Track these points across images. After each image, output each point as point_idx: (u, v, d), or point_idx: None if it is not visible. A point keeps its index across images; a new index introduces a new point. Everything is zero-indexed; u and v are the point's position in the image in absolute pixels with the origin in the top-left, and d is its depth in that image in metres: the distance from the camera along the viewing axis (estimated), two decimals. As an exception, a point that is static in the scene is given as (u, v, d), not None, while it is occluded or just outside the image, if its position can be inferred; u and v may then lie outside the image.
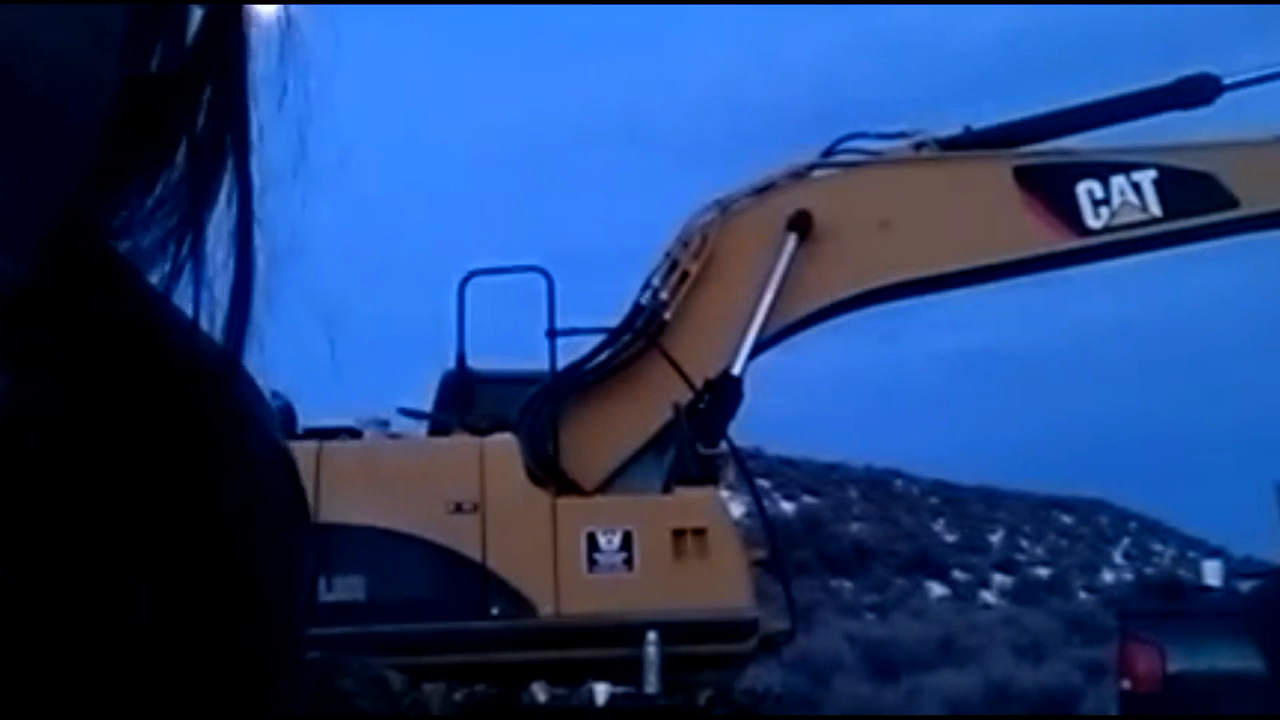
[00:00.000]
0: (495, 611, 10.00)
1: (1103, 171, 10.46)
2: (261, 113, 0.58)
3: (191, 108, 0.57)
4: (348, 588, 9.22)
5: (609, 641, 9.96)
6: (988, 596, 42.66)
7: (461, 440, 10.46)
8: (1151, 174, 10.40)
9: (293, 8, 0.58)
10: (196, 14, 0.55)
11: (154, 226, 0.58)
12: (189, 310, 0.58)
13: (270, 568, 0.59)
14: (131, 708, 0.53)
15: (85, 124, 0.50)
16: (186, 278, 0.58)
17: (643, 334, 10.56)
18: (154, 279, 0.59)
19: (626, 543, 10.16)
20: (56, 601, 0.52)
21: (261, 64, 0.58)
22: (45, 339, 0.54)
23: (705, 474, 10.39)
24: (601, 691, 10.58)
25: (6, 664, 0.51)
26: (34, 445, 0.53)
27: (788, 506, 42.88)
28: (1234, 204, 10.30)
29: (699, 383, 10.31)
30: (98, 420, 0.54)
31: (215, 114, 0.57)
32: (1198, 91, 10.48)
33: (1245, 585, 13.76)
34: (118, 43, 0.51)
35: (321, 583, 8.21)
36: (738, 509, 11.69)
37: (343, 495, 8.22)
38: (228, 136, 0.58)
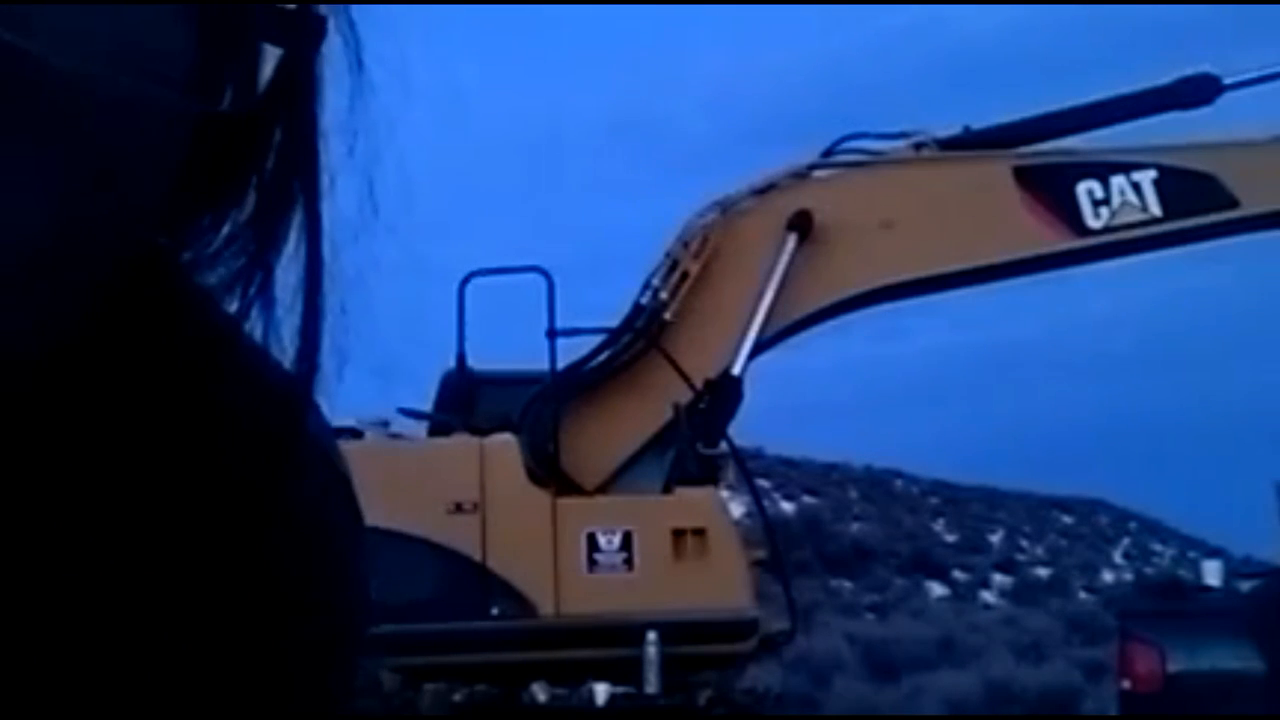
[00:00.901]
0: (495, 611, 10.00)
1: (1103, 171, 10.46)
2: (332, 159, 0.58)
3: (261, 149, 0.57)
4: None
5: (609, 641, 9.96)
6: (988, 596, 42.63)
7: (462, 440, 10.46)
8: (1151, 174, 10.40)
9: (362, 51, 0.58)
10: (269, 53, 0.54)
11: (220, 266, 0.58)
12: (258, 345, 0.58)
13: (327, 576, 0.61)
14: (190, 710, 0.54)
15: (152, 165, 0.50)
16: (252, 318, 0.58)
17: (643, 334, 10.56)
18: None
19: (626, 543, 10.17)
20: (112, 606, 0.53)
21: (331, 108, 0.58)
22: (116, 364, 0.54)
23: (705, 474, 10.39)
24: (601, 691, 10.59)
25: (60, 663, 0.52)
26: (98, 461, 0.54)
27: (788, 506, 42.86)
28: (1234, 204, 10.30)
29: (699, 383, 10.31)
30: (159, 437, 0.55)
31: (285, 156, 0.57)
32: (1198, 91, 10.48)
33: (1245, 585, 13.75)
34: (186, 81, 0.51)
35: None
36: (738, 509, 11.69)
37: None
38: (296, 179, 0.57)
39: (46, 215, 0.46)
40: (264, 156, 0.57)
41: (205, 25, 0.52)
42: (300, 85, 0.56)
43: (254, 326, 0.58)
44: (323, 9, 0.56)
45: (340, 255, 0.58)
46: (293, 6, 0.54)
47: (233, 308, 0.58)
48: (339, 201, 0.58)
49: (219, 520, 0.56)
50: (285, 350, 0.58)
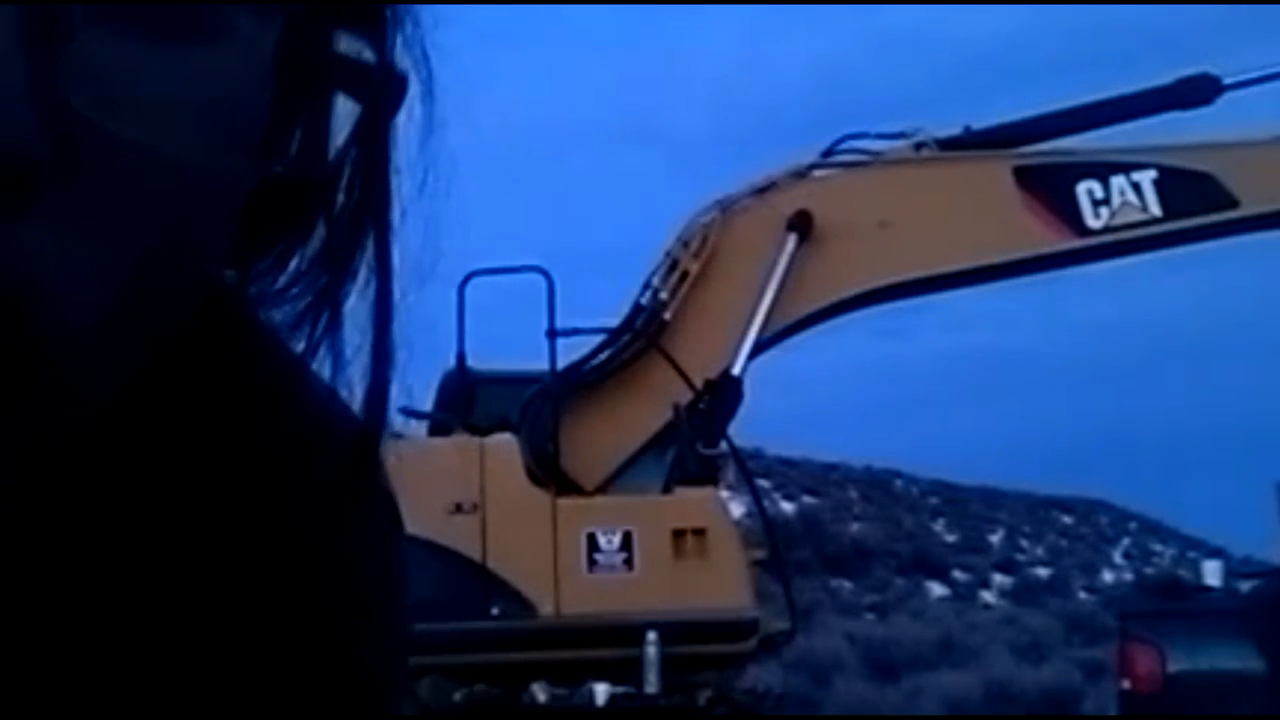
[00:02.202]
0: (495, 611, 10.01)
1: (1103, 171, 10.46)
2: (403, 196, 0.56)
3: (331, 187, 0.55)
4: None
5: (609, 641, 9.96)
6: (988, 596, 42.65)
7: (462, 440, 10.45)
8: (1151, 174, 10.40)
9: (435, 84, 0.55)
10: (340, 103, 0.52)
11: (286, 303, 0.56)
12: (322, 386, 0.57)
13: (384, 606, 0.62)
14: None
15: (223, 221, 0.48)
16: (319, 358, 0.56)
17: (643, 334, 10.56)
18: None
19: (626, 543, 10.17)
20: (175, 639, 0.52)
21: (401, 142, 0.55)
22: (182, 406, 0.53)
23: (705, 474, 10.39)
24: (601, 691, 10.58)
25: (123, 697, 0.51)
26: (164, 503, 0.53)
27: (788, 506, 42.86)
28: (1234, 204, 10.30)
29: (699, 383, 10.31)
30: (224, 479, 0.54)
31: (355, 193, 0.55)
32: (1198, 91, 10.48)
33: (1245, 585, 13.77)
34: (261, 138, 0.49)
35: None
36: (738, 509, 11.69)
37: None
38: (368, 216, 0.55)
39: (115, 279, 0.45)
40: (334, 192, 0.55)
41: (282, 81, 0.50)
42: (376, 133, 0.54)
43: (321, 366, 0.56)
44: (400, 49, 0.54)
45: (407, 293, 0.56)
46: (373, 60, 0.52)
47: (299, 346, 0.56)
48: (404, 237, 0.56)
49: (283, 562, 0.55)
50: (353, 391, 0.56)
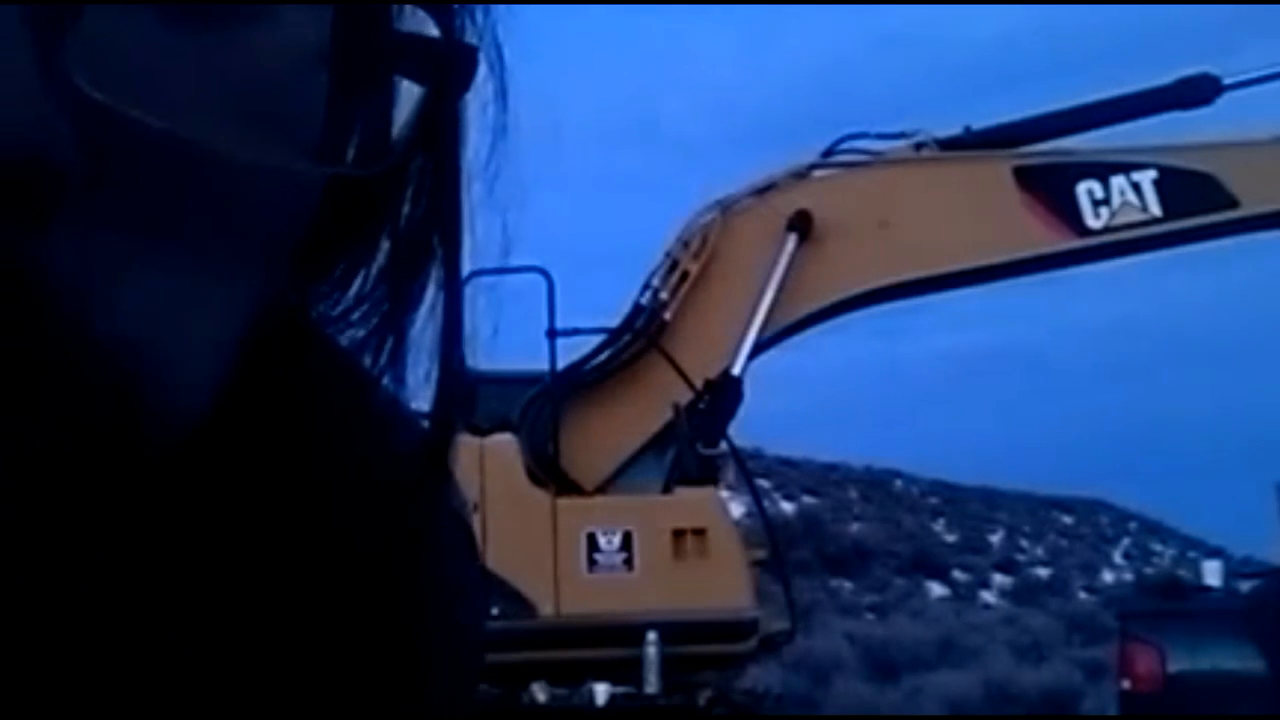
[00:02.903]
0: (495, 611, 10.01)
1: (1103, 171, 10.46)
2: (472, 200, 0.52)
3: (396, 195, 0.50)
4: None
5: (609, 641, 9.96)
6: (988, 596, 42.67)
7: (462, 440, 10.38)
8: (1151, 174, 10.40)
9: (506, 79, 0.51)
10: (403, 92, 0.48)
11: (348, 329, 0.52)
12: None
13: (455, 631, 0.59)
14: None
15: (280, 229, 0.45)
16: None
17: (643, 334, 10.56)
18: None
19: (626, 543, 10.17)
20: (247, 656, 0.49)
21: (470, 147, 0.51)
22: (252, 427, 0.49)
23: (705, 474, 10.39)
24: (601, 691, 10.58)
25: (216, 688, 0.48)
26: (240, 520, 0.49)
27: (788, 506, 42.85)
28: (1234, 204, 10.30)
29: (699, 383, 10.31)
30: (297, 496, 0.51)
31: (423, 204, 0.51)
32: (1198, 91, 10.48)
33: (1245, 585, 13.77)
34: (318, 136, 0.45)
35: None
36: (738, 509, 11.69)
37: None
38: (436, 232, 0.51)
39: (150, 287, 0.42)
40: (399, 204, 0.50)
41: (338, 68, 0.46)
42: (443, 125, 0.49)
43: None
44: (470, 35, 0.49)
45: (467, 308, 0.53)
46: (437, 36, 0.47)
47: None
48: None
49: (347, 576, 0.51)
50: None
